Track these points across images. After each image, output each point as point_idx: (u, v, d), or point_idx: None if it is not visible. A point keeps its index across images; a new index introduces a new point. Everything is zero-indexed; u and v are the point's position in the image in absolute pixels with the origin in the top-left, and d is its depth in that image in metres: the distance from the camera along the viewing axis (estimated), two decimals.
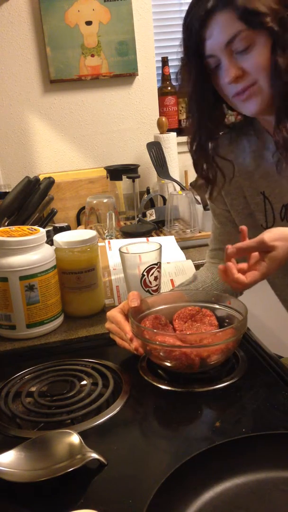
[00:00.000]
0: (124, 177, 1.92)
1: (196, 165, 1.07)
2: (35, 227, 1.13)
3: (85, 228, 1.75)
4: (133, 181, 1.88)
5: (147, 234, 1.67)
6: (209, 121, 1.01)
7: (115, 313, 0.94)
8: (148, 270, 1.06)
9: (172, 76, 2.21)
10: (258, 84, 0.92)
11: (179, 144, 2.12)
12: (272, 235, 0.86)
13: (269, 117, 0.99)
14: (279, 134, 0.95)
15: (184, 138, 2.30)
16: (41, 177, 1.47)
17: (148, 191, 2.03)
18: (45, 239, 1.10)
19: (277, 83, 0.90)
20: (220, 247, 1.19)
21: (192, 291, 1.08)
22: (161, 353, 0.84)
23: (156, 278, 1.08)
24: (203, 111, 1.00)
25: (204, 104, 0.99)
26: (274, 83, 0.90)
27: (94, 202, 1.75)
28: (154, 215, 1.81)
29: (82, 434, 0.69)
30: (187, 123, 1.05)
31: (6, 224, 1.37)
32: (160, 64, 2.18)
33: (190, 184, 1.87)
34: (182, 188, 1.90)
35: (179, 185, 1.93)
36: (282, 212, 1.05)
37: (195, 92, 0.98)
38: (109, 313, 0.95)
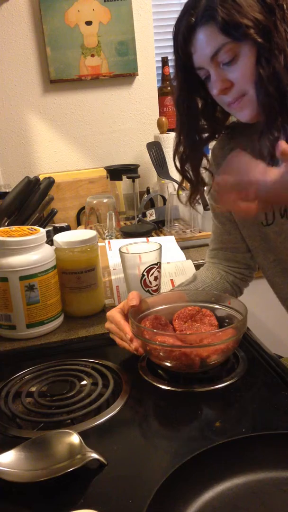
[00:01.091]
0: (124, 177, 1.92)
1: (182, 170, 1.10)
2: (35, 227, 1.13)
3: (85, 228, 1.75)
4: (133, 181, 1.88)
5: (147, 234, 1.67)
6: (193, 132, 1.04)
7: (114, 313, 0.94)
8: (148, 270, 1.06)
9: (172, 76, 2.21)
10: (248, 95, 0.93)
11: None
12: None
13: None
14: (263, 144, 0.96)
15: None
16: (41, 177, 1.47)
17: (148, 191, 2.03)
18: (45, 239, 1.10)
19: (262, 93, 0.91)
20: (221, 247, 1.19)
21: (192, 291, 1.08)
22: (161, 353, 0.84)
23: (156, 278, 1.08)
24: (186, 122, 1.03)
25: (188, 115, 1.02)
26: (259, 93, 0.91)
27: (94, 202, 1.75)
28: (154, 215, 1.81)
29: (82, 434, 0.69)
30: (176, 130, 1.07)
31: (6, 224, 1.37)
32: (160, 64, 2.18)
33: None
34: (182, 188, 1.90)
35: (179, 185, 1.93)
36: (282, 209, 1.05)
37: (179, 103, 1.01)
38: (109, 313, 0.95)
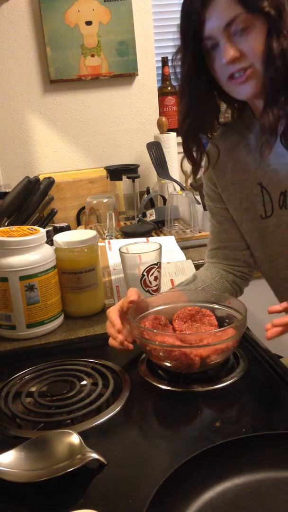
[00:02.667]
0: (124, 177, 1.92)
1: (185, 146, 1.09)
2: (35, 227, 1.13)
3: (85, 228, 1.75)
4: (133, 181, 1.88)
5: (147, 234, 1.67)
6: (201, 105, 1.03)
7: (111, 310, 0.94)
8: (148, 270, 1.06)
9: (172, 76, 2.21)
10: (253, 68, 0.94)
11: (179, 144, 2.10)
12: None
13: (261, 102, 1.00)
14: (265, 118, 0.96)
15: None
16: (41, 177, 1.47)
17: (148, 191, 2.03)
18: (45, 239, 1.10)
19: (270, 68, 0.92)
20: (219, 246, 1.19)
21: (192, 290, 1.08)
22: (160, 353, 0.84)
23: (156, 278, 1.08)
24: (195, 94, 1.02)
25: (197, 87, 1.01)
26: (267, 68, 0.92)
27: (94, 202, 1.75)
28: (154, 215, 1.81)
29: (82, 434, 0.69)
30: (179, 106, 1.07)
31: (6, 224, 1.37)
32: (160, 64, 2.18)
33: (190, 184, 1.87)
34: (182, 188, 1.90)
35: (179, 185, 1.93)
36: (280, 200, 1.05)
37: (189, 75, 1.00)
38: (107, 311, 0.95)
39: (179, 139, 2.25)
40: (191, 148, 1.08)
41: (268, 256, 1.13)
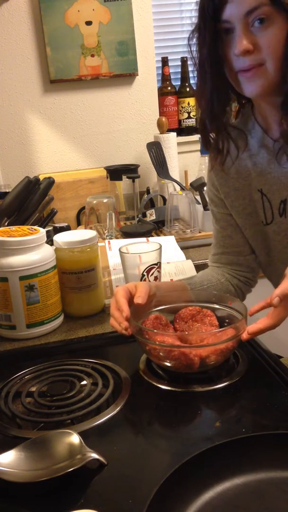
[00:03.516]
0: (124, 177, 1.92)
1: (205, 135, 1.04)
2: (35, 227, 1.13)
3: (85, 228, 1.75)
4: (133, 181, 1.88)
5: (147, 234, 1.67)
6: (224, 87, 0.98)
7: (119, 293, 0.91)
8: (148, 270, 1.06)
9: (172, 76, 2.21)
10: (264, 66, 0.90)
11: (179, 144, 2.12)
12: (279, 288, 0.85)
13: (269, 101, 0.98)
14: (285, 123, 0.94)
15: (184, 138, 2.31)
16: (41, 177, 1.47)
17: (148, 191, 2.03)
18: (45, 239, 1.10)
19: (287, 70, 0.89)
20: (223, 251, 1.19)
21: (197, 288, 1.08)
22: (160, 353, 0.84)
23: (156, 278, 1.08)
24: (217, 76, 0.96)
25: (219, 69, 0.95)
26: (284, 69, 0.89)
27: (94, 202, 1.75)
28: (154, 215, 1.81)
29: (82, 434, 0.69)
30: (197, 92, 1.01)
31: (6, 224, 1.37)
32: (160, 64, 2.18)
33: (190, 184, 1.87)
34: (182, 188, 1.90)
35: (179, 185, 1.93)
36: (280, 207, 1.05)
37: (210, 57, 0.94)
38: (115, 290, 0.93)
39: (179, 139, 2.27)
40: (215, 134, 1.03)
41: (270, 260, 1.13)
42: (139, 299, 0.90)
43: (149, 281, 1.07)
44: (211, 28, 0.91)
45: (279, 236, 1.08)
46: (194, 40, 0.96)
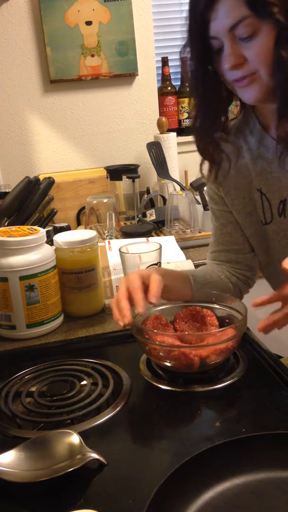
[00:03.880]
0: (124, 177, 1.92)
1: (200, 147, 1.05)
2: (35, 227, 1.13)
3: (85, 228, 1.75)
4: (133, 181, 1.88)
5: (147, 234, 1.67)
6: (211, 104, 1.00)
7: (134, 280, 0.88)
8: None
9: (172, 76, 2.21)
10: (257, 74, 0.91)
11: (179, 144, 2.12)
12: None
13: (268, 107, 0.99)
14: (281, 129, 0.95)
15: (184, 138, 2.31)
16: (41, 177, 1.47)
17: (148, 191, 2.03)
18: (45, 239, 1.10)
19: (279, 76, 0.89)
20: (222, 249, 1.19)
21: (200, 277, 1.08)
22: (160, 353, 0.84)
23: None
24: (203, 93, 0.99)
25: (204, 86, 0.98)
26: (276, 76, 0.89)
27: (94, 202, 1.75)
28: (154, 215, 1.81)
29: (82, 434, 0.69)
30: (192, 105, 1.03)
31: (6, 224, 1.37)
32: (160, 64, 2.18)
33: (190, 184, 1.87)
34: (182, 188, 1.90)
35: (179, 185, 1.93)
36: (280, 208, 1.05)
37: (196, 74, 0.97)
38: (129, 280, 0.89)
39: (179, 139, 2.27)
40: (208, 148, 1.05)
41: (270, 260, 1.13)
42: (153, 299, 0.86)
43: None
44: (198, 43, 0.93)
45: (279, 236, 1.08)
46: (186, 53, 0.97)
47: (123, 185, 2.03)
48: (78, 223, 1.98)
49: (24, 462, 0.66)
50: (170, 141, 2.06)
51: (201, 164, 1.09)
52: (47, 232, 1.34)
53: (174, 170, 2.06)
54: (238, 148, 1.06)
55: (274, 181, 1.04)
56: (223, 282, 1.14)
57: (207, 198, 1.20)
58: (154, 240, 1.41)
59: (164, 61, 2.17)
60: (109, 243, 1.32)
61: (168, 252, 1.34)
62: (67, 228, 1.57)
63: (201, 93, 0.99)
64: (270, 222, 1.08)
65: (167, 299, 0.99)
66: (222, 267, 1.18)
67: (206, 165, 1.09)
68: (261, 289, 1.26)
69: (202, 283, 1.08)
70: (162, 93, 2.20)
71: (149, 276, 0.90)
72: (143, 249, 1.07)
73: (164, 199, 1.92)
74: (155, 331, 0.87)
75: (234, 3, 0.86)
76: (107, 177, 1.98)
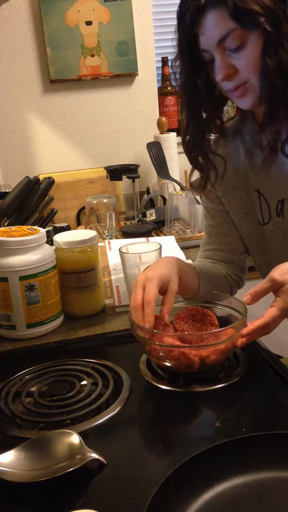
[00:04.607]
0: (124, 177, 1.92)
1: (190, 158, 1.07)
2: (35, 227, 1.13)
3: (85, 228, 1.75)
4: (133, 181, 1.88)
5: (147, 234, 1.67)
6: (200, 116, 1.02)
7: (153, 286, 0.87)
8: None
9: (172, 76, 2.21)
10: (249, 83, 0.92)
11: (179, 144, 2.11)
12: (280, 271, 0.85)
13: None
14: (263, 137, 0.96)
15: None
16: (41, 177, 1.47)
17: (148, 191, 2.03)
18: (45, 239, 1.10)
19: (265, 84, 0.90)
20: (217, 248, 1.18)
21: (205, 272, 1.08)
22: (160, 353, 0.84)
23: None
24: (194, 104, 1.01)
25: (195, 97, 1.00)
26: (263, 84, 0.91)
27: (94, 202, 1.75)
28: (154, 215, 1.81)
29: (82, 434, 0.69)
30: (181, 116, 1.05)
31: (6, 224, 1.37)
32: (160, 64, 2.18)
33: (190, 184, 1.87)
34: (182, 188, 1.90)
35: (179, 185, 1.93)
36: (278, 208, 1.05)
37: (185, 87, 0.99)
38: (148, 285, 0.88)
39: (179, 139, 2.25)
40: (197, 158, 1.06)
41: (266, 260, 1.13)
42: (166, 317, 0.88)
43: None
44: (187, 56, 0.95)
45: (277, 236, 1.08)
46: (177, 64, 0.99)
47: (123, 185, 2.03)
48: (78, 223, 1.98)
49: (24, 462, 0.66)
50: (170, 141, 2.06)
51: (190, 175, 1.10)
52: (47, 232, 1.34)
53: (174, 170, 2.06)
54: (224, 160, 1.07)
55: (272, 181, 1.04)
56: (224, 278, 1.14)
57: (202, 197, 1.20)
58: (154, 240, 1.40)
59: (164, 61, 2.17)
60: (109, 243, 1.32)
61: (168, 252, 1.34)
62: (67, 228, 1.57)
63: (191, 105, 1.01)
64: (268, 222, 1.08)
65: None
66: (217, 265, 1.18)
67: (195, 175, 1.10)
68: None
69: (207, 278, 1.09)
70: (162, 93, 2.20)
71: (168, 282, 0.90)
72: (143, 249, 1.07)
73: (164, 199, 1.92)
74: (155, 331, 0.87)
75: (219, 18, 0.87)
76: (107, 177, 1.98)
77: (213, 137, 1.11)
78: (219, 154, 1.07)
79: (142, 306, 0.87)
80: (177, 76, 1.00)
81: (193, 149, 1.05)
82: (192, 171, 1.10)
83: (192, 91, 0.99)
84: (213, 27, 0.88)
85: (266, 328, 0.82)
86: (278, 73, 0.88)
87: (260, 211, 1.08)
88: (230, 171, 1.09)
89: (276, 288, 0.84)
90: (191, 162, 1.08)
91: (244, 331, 0.83)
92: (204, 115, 1.02)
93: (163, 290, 0.90)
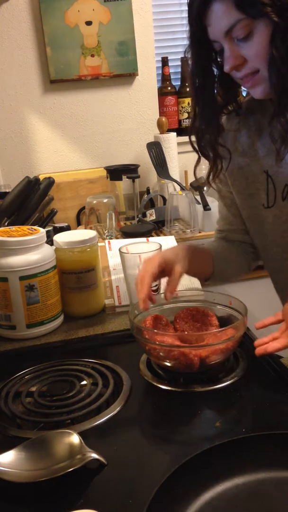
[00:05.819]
0: (124, 177, 1.92)
1: (199, 147, 1.07)
2: (35, 227, 1.13)
3: (85, 228, 1.75)
4: (133, 181, 1.88)
5: (147, 234, 1.67)
6: (209, 104, 1.02)
7: (150, 268, 0.92)
8: None
9: (172, 76, 2.21)
10: (260, 72, 0.92)
11: (179, 144, 2.12)
12: None
13: None
14: (274, 128, 0.95)
15: (184, 138, 2.31)
16: (41, 177, 1.47)
17: (148, 191, 2.03)
18: (45, 239, 1.10)
19: (274, 74, 0.90)
20: (229, 229, 1.21)
21: (219, 253, 1.11)
22: (160, 353, 0.84)
23: None
24: (202, 94, 1.00)
25: (204, 86, 1.00)
26: (271, 74, 0.90)
27: (94, 202, 1.75)
28: (154, 215, 1.82)
29: (82, 434, 0.69)
30: (192, 105, 1.06)
31: (6, 224, 1.37)
32: (160, 64, 2.18)
33: (190, 184, 1.87)
34: (182, 188, 1.90)
35: (179, 185, 1.93)
36: (284, 192, 1.04)
37: (194, 74, 0.99)
38: (147, 264, 0.93)
39: (179, 139, 2.27)
40: (206, 149, 1.06)
41: (265, 245, 1.13)
42: (168, 296, 0.92)
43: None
44: (198, 48, 0.95)
45: (280, 220, 1.07)
46: (189, 54, 0.98)
47: (123, 185, 2.03)
48: (78, 223, 1.98)
49: (24, 462, 0.66)
50: (170, 141, 2.07)
51: (195, 166, 1.10)
52: (47, 232, 1.33)
53: (174, 170, 2.06)
54: (230, 153, 1.08)
55: (282, 163, 1.02)
56: (239, 256, 1.17)
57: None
58: (154, 240, 1.40)
59: (164, 61, 2.17)
60: (109, 243, 1.32)
61: None
62: (67, 228, 1.57)
63: (204, 94, 1.00)
64: (272, 206, 1.07)
65: (187, 273, 1.01)
66: (232, 245, 1.20)
67: (200, 166, 1.10)
68: (260, 291, 1.27)
69: (222, 257, 1.11)
70: (162, 93, 2.20)
71: (173, 265, 0.93)
72: (143, 249, 1.07)
73: (164, 199, 1.92)
74: (155, 331, 0.87)
75: (225, 8, 0.87)
76: (107, 177, 1.98)
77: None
78: (227, 148, 1.07)
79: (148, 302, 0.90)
80: (189, 62, 1.00)
81: (203, 138, 1.05)
82: (197, 164, 1.09)
83: (203, 80, 0.99)
84: (220, 17, 0.88)
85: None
86: (286, 62, 0.88)
87: (265, 193, 1.07)
88: (239, 150, 1.08)
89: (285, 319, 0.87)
90: (199, 151, 1.07)
91: (270, 348, 0.83)
92: (213, 106, 1.03)
93: (168, 271, 0.93)
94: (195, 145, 1.06)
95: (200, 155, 1.07)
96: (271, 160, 1.04)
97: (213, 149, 1.06)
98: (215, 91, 1.02)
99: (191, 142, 1.07)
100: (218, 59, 0.99)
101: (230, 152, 1.08)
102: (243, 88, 1.06)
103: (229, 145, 1.08)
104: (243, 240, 1.20)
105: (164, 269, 0.94)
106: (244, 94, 1.13)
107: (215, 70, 1.00)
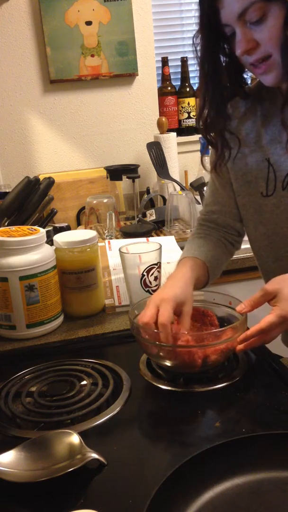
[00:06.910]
0: (124, 177, 1.92)
1: (205, 134, 1.06)
2: (35, 227, 1.13)
3: (85, 228, 1.75)
4: (133, 181, 1.88)
5: (147, 234, 1.67)
6: (218, 92, 1.00)
7: (168, 309, 0.87)
8: (148, 270, 1.06)
9: (172, 76, 2.21)
10: (273, 57, 0.90)
11: (179, 144, 2.12)
12: (272, 282, 0.87)
13: None
14: (285, 114, 0.94)
15: (184, 138, 2.32)
16: (41, 177, 1.47)
17: (148, 191, 2.03)
18: (45, 239, 1.10)
19: (287, 59, 0.89)
20: (219, 210, 1.16)
21: (212, 263, 1.09)
22: (160, 353, 0.84)
23: (156, 278, 1.08)
24: (211, 81, 0.99)
25: (217, 72, 0.98)
26: (284, 58, 0.89)
27: (94, 202, 1.75)
28: (154, 215, 1.81)
29: (82, 434, 0.69)
30: (198, 93, 1.05)
31: (6, 224, 1.37)
32: (160, 64, 2.18)
33: (190, 184, 1.87)
34: (182, 188, 1.90)
35: (179, 185, 1.93)
36: (285, 181, 1.03)
37: (204, 61, 0.97)
38: (163, 307, 0.87)
39: (179, 139, 2.27)
40: (214, 137, 1.05)
41: (260, 234, 1.11)
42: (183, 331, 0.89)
43: (149, 281, 1.07)
44: (209, 33, 0.93)
45: (278, 209, 1.05)
46: (198, 40, 0.97)
47: (123, 185, 2.03)
48: (78, 223, 1.98)
49: (24, 462, 0.66)
50: (170, 141, 2.06)
51: (201, 157, 1.09)
52: (47, 232, 1.34)
53: (174, 170, 2.06)
54: (239, 139, 1.06)
55: (284, 152, 1.02)
56: (225, 257, 1.15)
57: (211, 152, 1.16)
58: (154, 240, 1.40)
59: (164, 61, 2.17)
60: (109, 243, 1.32)
61: (168, 252, 1.34)
62: (67, 228, 1.57)
63: (213, 82, 0.99)
64: (271, 195, 1.05)
65: None
66: (216, 233, 1.17)
67: (206, 158, 1.09)
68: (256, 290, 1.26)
69: (215, 266, 1.10)
70: (162, 93, 2.20)
71: (182, 305, 0.90)
72: (143, 249, 1.07)
73: (164, 199, 1.92)
74: (155, 331, 0.87)
75: None
76: (107, 177, 1.98)
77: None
78: (235, 134, 1.06)
79: (154, 325, 0.86)
80: (198, 54, 0.98)
81: (211, 127, 1.04)
82: (206, 147, 1.09)
83: (213, 66, 0.98)
84: (234, 0, 0.87)
85: (265, 335, 0.83)
86: None
87: (265, 182, 1.05)
88: (243, 134, 1.07)
89: (269, 298, 0.86)
90: (206, 139, 1.06)
91: (240, 337, 0.84)
92: (221, 95, 1.01)
93: (177, 312, 0.90)
94: (203, 133, 1.05)
95: (208, 143, 1.06)
96: (274, 148, 1.03)
97: (221, 137, 1.04)
98: (224, 81, 1.00)
99: (200, 130, 1.05)
100: (226, 47, 0.97)
101: (239, 140, 1.06)
102: (246, 76, 1.06)
103: (233, 132, 1.06)
104: (232, 225, 1.16)
105: (175, 311, 0.90)
106: (248, 82, 1.11)
107: (222, 58, 0.98)
